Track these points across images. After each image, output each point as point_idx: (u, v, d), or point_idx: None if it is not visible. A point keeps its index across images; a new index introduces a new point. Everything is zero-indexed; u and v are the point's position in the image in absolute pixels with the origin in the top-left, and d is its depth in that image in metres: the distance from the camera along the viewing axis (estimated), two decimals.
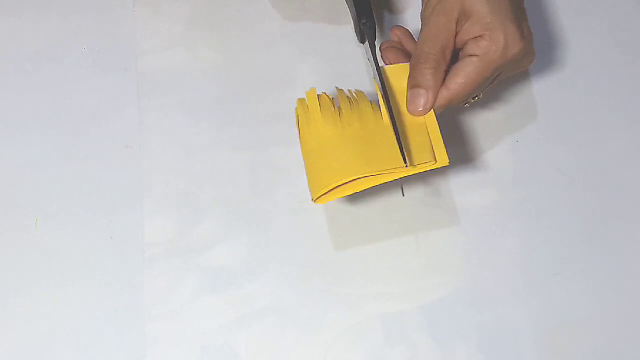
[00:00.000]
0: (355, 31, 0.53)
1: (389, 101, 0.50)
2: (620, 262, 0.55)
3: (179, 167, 0.57)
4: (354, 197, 0.56)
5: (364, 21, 0.52)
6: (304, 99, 0.51)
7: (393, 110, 0.50)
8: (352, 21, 0.53)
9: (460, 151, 0.57)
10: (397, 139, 0.48)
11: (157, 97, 0.59)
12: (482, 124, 0.58)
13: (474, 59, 0.49)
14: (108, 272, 0.54)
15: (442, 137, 0.49)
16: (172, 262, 0.55)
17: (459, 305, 0.53)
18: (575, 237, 0.55)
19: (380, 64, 0.51)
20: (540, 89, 0.59)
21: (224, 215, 0.56)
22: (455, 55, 0.50)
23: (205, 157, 0.57)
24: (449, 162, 0.48)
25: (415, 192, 0.56)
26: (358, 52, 0.60)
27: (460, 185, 0.56)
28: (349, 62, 0.60)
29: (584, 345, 0.53)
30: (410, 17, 0.50)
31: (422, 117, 0.50)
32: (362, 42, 0.52)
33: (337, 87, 0.52)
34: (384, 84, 0.50)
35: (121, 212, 0.56)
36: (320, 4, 0.60)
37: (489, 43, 0.48)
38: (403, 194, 0.48)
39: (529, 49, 0.51)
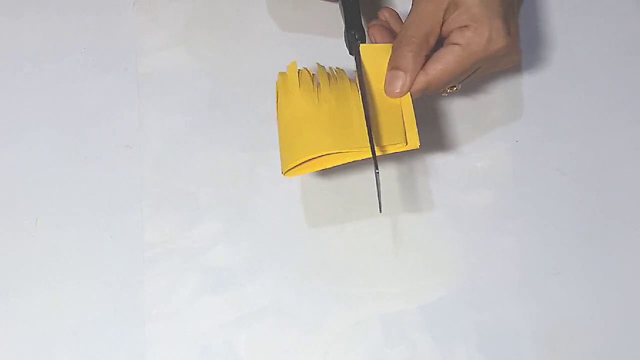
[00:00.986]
0: (345, 42, 0.53)
1: (363, 84, 0.50)
2: (620, 262, 0.55)
3: (179, 167, 0.57)
4: (354, 198, 0.56)
5: (354, 33, 0.52)
6: (285, 72, 0.52)
7: (371, 90, 0.50)
8: (339, 22, 0.54)
9: (460, 151, 0.57)
10: (366, 120, 0.48)
11: (157, 97, 0.59)
12: (481, 123, 0.58)
13: (456, 47, 0.49)
14: (108, 272, 0.54)
15: (416, 120, 0.49)
16: (172, 262, 0.55)
17: (459, 305, 0.53)
18: (575, 237, 0.55)
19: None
20: (540, 89, 0.59)
21: (224, 215, 0.56)
22: (441, 44, 0.50)
23: (205, 157, 0.57)
24: (419, 145, 0.48)
25: (415, 193, 0.56)
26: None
27: (460, 185, 0.56)
28: (348, 62, 0.60)
29: (584, 345, 0.53)
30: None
31: (397, 101, 0.50)
32: (352, 54, 0.52)
33: (318, 64, 0.52)
34: (365, 91, 0.50)
35: (121, 212, 0.56)
36: (319, 4, 0.60)
37: (473, 34, 0.48)
38: (380, 210, 0.48)
39: (514, 48, 0.51)
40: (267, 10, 0.62)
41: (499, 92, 0.59)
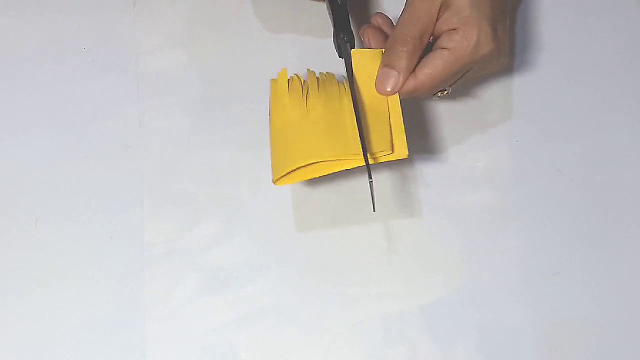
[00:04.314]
0: (334, 45, 0.53)
1: (354, 93, 0.50)
2: (620, 262, 0.55)
3: (179, 167, 0.57)
4: (354, 200, 0.56)
5: (342, 36, 0.52)
6: (277, 79, 0.52)
7: (360, 96, 0.50)
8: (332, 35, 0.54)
9: (460, 151, 0.57)
10: (358, 129, 0.48)
11: (157, 97, 0.59)
12: (481, 123, 0.58)
13: (445, 52, 0.49)
14: (108, 272, 0.54)
15: (405, 129, 0.49)
16: (172, 262, 0.55)
17: (459, 305, 0.53)
18: (574, 237, 0.55)
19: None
20: (540, 89, 0.59)
21: (224, 215, 0.56)
22: (430, 45, 0.50)
23: (205, 157, 0.57)
24: (407, 155, 0.48)
25: (415, 193, 0.56)
26: None
27: (460, 186, 0.56)
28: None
29: (584, 345, 0.53)
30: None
31: (386, 107, 0.50)
32: (341, 56, 0.53)
33: (308, 69, 0.52)
34: (354, 93, 0.50)
35: (121, 212, 0.56)
36: (318, 3, 0.60)
37: (461, 38, 0.48)
38: (374, 209, 0.48)
39: (501, 51, 0.51)
40: (267, 10, 0.62)
41: (498, 93, 0.59)
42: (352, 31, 0.52)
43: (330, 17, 0.54)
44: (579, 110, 0.59)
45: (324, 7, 0.56)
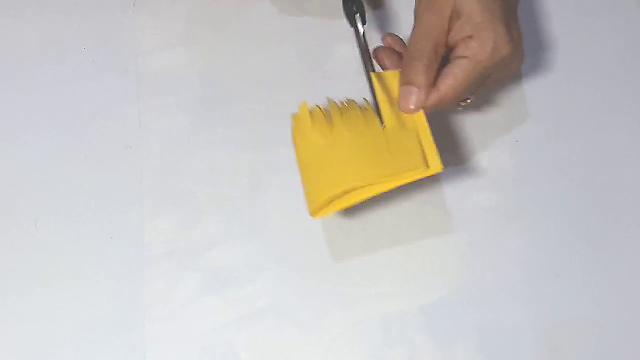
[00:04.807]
0: (344, 14, 0.53)
1: (377, 101, 0.50)
2: (620, 263, 0.55)
3: (179, 167, 0.57)
4: None
5: (351, 5, 0.52)
6: (297, 114, 0.51)
7: (386, 117, 0.49)
8: (339, 16, 0.54)
9: (461, 152, 0.57)
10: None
11: (157, 97, 0.59)
12: (482, 124, 0.58)
13: (463, 60, 0.48)
14: (108, 272, 0.54)
15: (435, 143, 0.49)
16: (172, 262, 0.55)
17: (459, 306, 0.53)
18: (576, 238, 0.55)
19: (370, 48, 0.52)
20: (540, 89, 0.59)
21: (224, 215, 0.56)
22: (446, 57, 0.50)
23: (205, 157, 0.57)
24: (442, 169, 0.48)
25: (415, 193, 0.56)
26: (356, 52, 0.60)
27: (461, 187, 0.56)
28: (347, 62, 0.60)
29: (584, 345, 0.53)
30: (396, 15, 0.51)
31: (414, 124, 0.49)
32: (352, 26, 0.52)
33: (328, 98, 0.52)
34: (373, 86, 0.50)
35: (121, 212, 0.56)
36: (318, 3, 0.60)
37: (478, 44, 0.48)
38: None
39: (518, 52, 0.50)
40: (267, 10, 0.62)
41: (499, 94, 0.59)
42: (361, 1, 0.52)
43: None
44: (580, 111, 0.59)
45: (325, 6, 0.56)
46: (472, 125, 0.58)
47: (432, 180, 0.57)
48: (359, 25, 0.52)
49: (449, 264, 0.54)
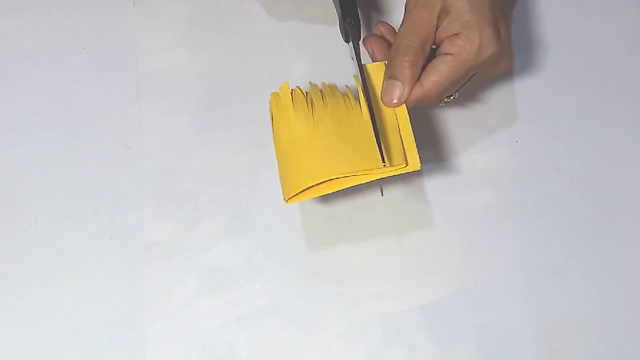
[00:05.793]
0: (340, 30, 0.53)
1: (370, 99, 0.49)
2: (620, 262, 0.55)
3: (179, 167, 0.57)
4: (353, 199, 0.56)
5: (349, 20, 0.52)
6: (278, 93, 0.51)
7: (368, 109, 0.49)
8: (337, 20, 0.53)
9: (460, 152, 0.57)
10: (377, 139, 0.47)
11: (157, 97, 0.59)
12: (481, 124, 0.58)
13: (448, 57, 0.48)
14: (108, 272, 0.54)
15: (415, 140, 0.48)
16: (172, 262, 0.55)
17: (459, 305, 0.53)
18: (575, 237, 0.55)
19: (363, 62, 0.51)
20: (540, 90, 0.59)
21: (224, 215, 0.56)
22: (434, 52, 0.50)
23: (205, 157, 0.57)
24: (420, 167, 0.48)
25: (415, 194, 0.56)
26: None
27: (460, 186, 0.56)
28: (347, 63, 0.60)
29: (584, 345, 0.53)
30: (399, 18, 0.51)
31: (395, 119, 0.49)
32: (347, 41, 0.52)
33: (310, 83, 0.52)
34: (366, 83, 0.50)
35: (121, 212, 0.56)
36: (318, 4, 0.60)
37: (464, 42, 0.48)
38: (382, 193, 0.48)
39: (506, 52, 0.50)
40: (267, 10, 0.62)
41: (498, 94, 0.59)
42: (358, 15, 0.52)
43: (335, 3, 0.54)
44: (579, 111, 0.59)
45: (323, 5, 0.56)
46: (472, 125, 0.58)
47: (431, 181, 0.57)
48: (355, 41, 0.52)
49: (449, 264, 0.55)
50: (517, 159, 0.57)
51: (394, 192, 0.56)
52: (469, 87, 0.52)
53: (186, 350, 0.53)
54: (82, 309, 0.54)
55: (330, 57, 0.60)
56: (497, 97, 0.59)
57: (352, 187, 0.47)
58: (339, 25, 0.53)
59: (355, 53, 0.51)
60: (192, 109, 0.59)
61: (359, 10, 0.53)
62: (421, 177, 0.57)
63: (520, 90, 0.59)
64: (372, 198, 0.56)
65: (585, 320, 0.53)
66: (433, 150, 0.57)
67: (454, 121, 0.58)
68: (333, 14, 0.58)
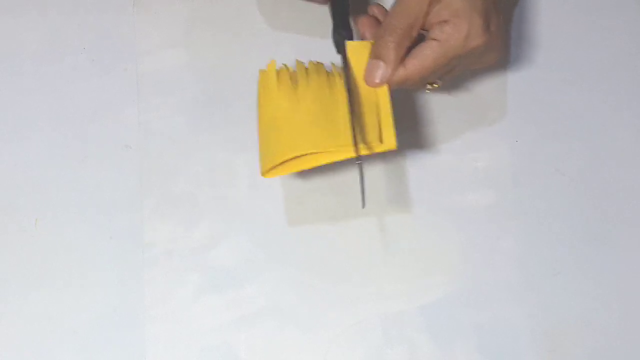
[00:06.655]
0: (333, 42, 0.53)
1: (349, 86, 0.50)
2: (620, 262, 0.55)
3: (179, 167, 0.57)
4: (353, 200, 0.56)
5: (341, 32, 0.52)
6: (266, 70, 0.52)
7: (353, 89, 0.50)
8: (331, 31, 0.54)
9: (460, 151, 0.57)
10: (350, 122, 0.48)
11: (157, 97, 0.59)
12: (481, 123, 0.58)
13: (434, 43, 0.49)
14: (108, 273, 0.54)
15: (394, 120, 0.49)
16: (172, 262, 0.55)
17: (459, 306, 0.53)
18: (574, 237, 0.55)
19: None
20: (540, 89, 0.59)
21: (224, 215, 0.56)
22: (420, 39, 0.50)
23: (205, 157, 0.57)
24: (396, 146, 0.48)
25: (415, 193, 0.56)
26: None
27: (460, 186, 0.56)
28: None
29: (584, 345, 0.53)
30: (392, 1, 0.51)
31: (375, 98, 0.50)
32: (339, 52, 0.53)
33: (297, 60, 0.52)
34: (349, 78, 0.50)
35: (121, 212, 0.56)
36: (317, 5, 0.60)
37: (452, 30, 0.48)
38: (363, 205, 0.48)
39: (494, 45, 0.50)
40: (267, 10, 0.62)
41: (497, 93, 0.59)
42: (351, 28, 0.53)
43: (330, 12, 0.54)
44: (579, 110, 0.59)
45: (322, 9, 0.56)
46: (471, 124, 0.58)
47: (431, 181, 0.57)
48: (345, 55, 0.52)
49: (449, 264, 0.55)
50: (517, 159, 0.57)
51: (393, 194, 0.56)
52: (454, 76, 0.52)
53: (186, 351, 0.53)
54: (82, 309, 0.54)
55: (330, 58, 0.60)
56: (496, 96, 0.59)
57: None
58: (332, 36, 0.53)
59: (344, 66, 0.51)
60: (192, 109, 0.59)
61: (351, 22, 0.53)
62: (421, 177, 0.57)
63: (521, 90, 0.59)
64: (372, 199, 0.56)
65: (585, 320, 0.53)
66: (433, 151, 0.57)
67: (455, 121, 0.58)
68: None
